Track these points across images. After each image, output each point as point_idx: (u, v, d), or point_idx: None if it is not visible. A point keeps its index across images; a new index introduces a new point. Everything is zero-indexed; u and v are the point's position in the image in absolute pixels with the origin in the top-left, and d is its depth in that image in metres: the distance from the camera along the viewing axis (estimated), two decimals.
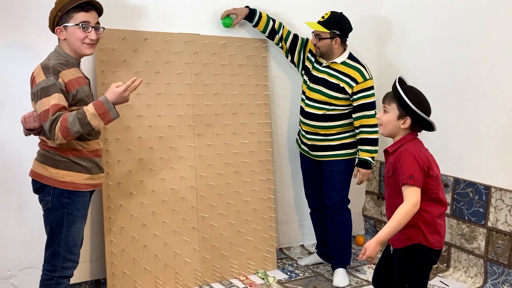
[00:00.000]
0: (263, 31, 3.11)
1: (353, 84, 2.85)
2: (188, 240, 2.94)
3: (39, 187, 2.16)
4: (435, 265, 2.18)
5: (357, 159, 2.96)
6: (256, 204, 3.19)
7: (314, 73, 3.00)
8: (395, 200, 2.06)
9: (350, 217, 3.09)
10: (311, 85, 2.99)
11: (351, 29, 2.90)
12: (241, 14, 3.04)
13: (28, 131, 2.22)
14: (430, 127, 2.07)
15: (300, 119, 3.09)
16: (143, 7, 2.86)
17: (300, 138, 3.17)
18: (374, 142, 2.88)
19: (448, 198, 3.29)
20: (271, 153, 3.30)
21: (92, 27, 2.15)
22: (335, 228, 3.04)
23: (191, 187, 2.97)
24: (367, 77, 2.86)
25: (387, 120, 2.07)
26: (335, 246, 3.07)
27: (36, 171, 2.17)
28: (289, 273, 3.22)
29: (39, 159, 2.18)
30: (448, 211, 3.29)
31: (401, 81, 2.09)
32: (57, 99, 2.01)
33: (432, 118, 2.05)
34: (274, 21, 3.11)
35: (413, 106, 1.98)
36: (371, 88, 2.88)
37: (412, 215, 1.94)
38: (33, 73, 2.10)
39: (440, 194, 2.08)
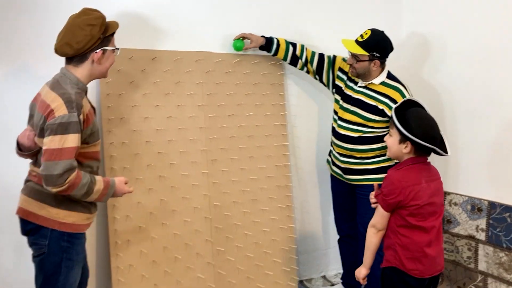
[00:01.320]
0: (284, 59, 2.90)
1: (393, 105, 2.57)
2: (203, 277, 2.68)
3: (32, 228, 1.89)
4: None
5: None
6: (275, 235, 2.93)
7: (348, 92, 2.74)
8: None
9: None
10: (345, 105, 2.74)
11: (392, 49, 2.64)
12: (256, 41, 2.82)
13: (21, 151, 1.99)
14: (442, 150, 2.02)
15: (332, 140, 2.84)
16: (150, 24, 2.65)
17: (332, 160, 2.92)
18: None
19: (482, 223, 3.03)
20: (290, 177, 3.05)
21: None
22: None
23: (205, 218, 2.71)
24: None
25: (391, 143, 2.07)
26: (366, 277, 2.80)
27: (29, 209, 1.89)
28: None
29: (33, 196, 1.90)
30: (483, 237, 3.03)
31: (408, 104, 2.06)
32: (75, 141, 1.80)
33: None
34: (294, 46, 2.88)
35: (406, 133, 1.96)
36: None
37: (374, 236, 2.07)
38: (47, 103, 1.82)
39: (424, 223, 2.02)
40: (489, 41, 2.96)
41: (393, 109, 2.05)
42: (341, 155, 2.78)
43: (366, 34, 2.59)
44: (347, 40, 2.64)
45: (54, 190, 1.77)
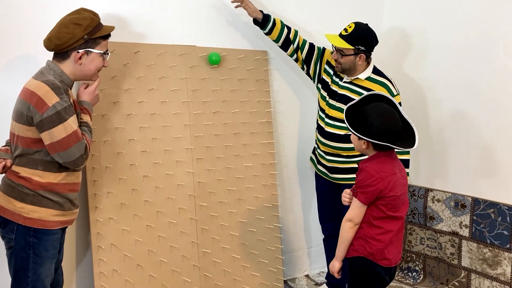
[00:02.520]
0: (276, 40, 2.74)
1: None
2: (189, 280, 2.57)
3: (1, 221, 1.87)
4: (387, 284, 2.11)
5: None
6: (261, 235, 2.86)
7: (334, 88, 2.66)
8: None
9: None
10: (331, 101, 2.65)
11: (377, 42, 2.58)
12: (252, 12, 2.65)
13: None
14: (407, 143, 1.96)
15: (318, 138, 2.75)
16: (133, 16, 2.51)
17: (317, 158, 2.83)
18: (405, 163, 2.56)
19: (466, 220, 3.05)
20: (276, 176, 2.98)
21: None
22: None
23: (190, 219, 2.61)
24: (395, 93, 2.55)
25: (352, 139, 2.06)
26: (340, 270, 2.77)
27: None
28: None
29: (2, 189, 1.88)
30: (466, 233, 3.06)
31: (371, 98, 2.00)
32: (76, 122, 1.86)
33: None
34: (289, 29, 2.74)
35: (356, 133, 1.94)
36: (400, 104, 2.56)
37: (351, 230, 2.00)
38: (31, 90, 1.80)
39: (398, 213, 2.01)
40: (471, 35, 2.98)
41: (345, 108, 2.01)
42: (327, 153, 2.71)
43: (350, 27, 2.52)
44: (330, 34, 2.57)
45: (81, 167, 1.91)
